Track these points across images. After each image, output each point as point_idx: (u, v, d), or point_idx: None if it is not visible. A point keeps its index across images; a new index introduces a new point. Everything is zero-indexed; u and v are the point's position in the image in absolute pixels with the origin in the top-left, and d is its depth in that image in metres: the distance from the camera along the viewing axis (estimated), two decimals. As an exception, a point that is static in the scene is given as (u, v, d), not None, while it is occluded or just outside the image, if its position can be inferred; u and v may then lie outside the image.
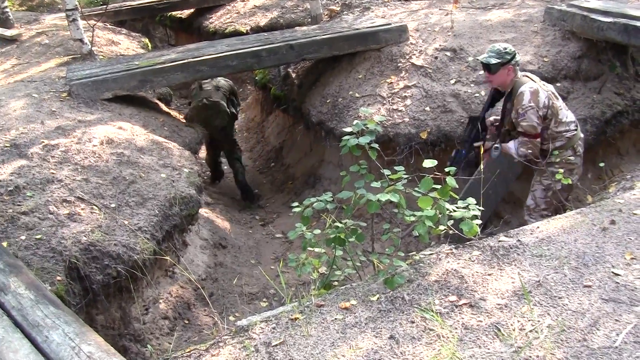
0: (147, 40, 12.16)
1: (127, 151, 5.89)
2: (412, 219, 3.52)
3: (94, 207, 5.02)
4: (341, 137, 3.92)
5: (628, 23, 6.38)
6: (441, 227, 3.46)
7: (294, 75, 9.48)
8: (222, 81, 9.00)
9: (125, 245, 4.75)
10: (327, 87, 8.14)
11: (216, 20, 12.61)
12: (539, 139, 5.01)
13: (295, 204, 3.98)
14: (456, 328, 2.78)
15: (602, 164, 6.19)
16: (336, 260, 3.88)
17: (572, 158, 5.19)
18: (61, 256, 4.41)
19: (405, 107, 7.04)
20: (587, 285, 2.96)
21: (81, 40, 9.09)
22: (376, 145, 3.84)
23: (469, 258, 3.38)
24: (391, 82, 7.46)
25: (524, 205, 5.56)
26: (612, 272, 3.03)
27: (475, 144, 5.35)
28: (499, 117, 5.51)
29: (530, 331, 2.68)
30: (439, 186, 3.42)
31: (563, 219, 3.74)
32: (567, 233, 3.51)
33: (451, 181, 3.39)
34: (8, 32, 10.82)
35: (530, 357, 2.52)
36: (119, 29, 12.14)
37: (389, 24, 8.24)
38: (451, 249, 3.54)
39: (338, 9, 10.53)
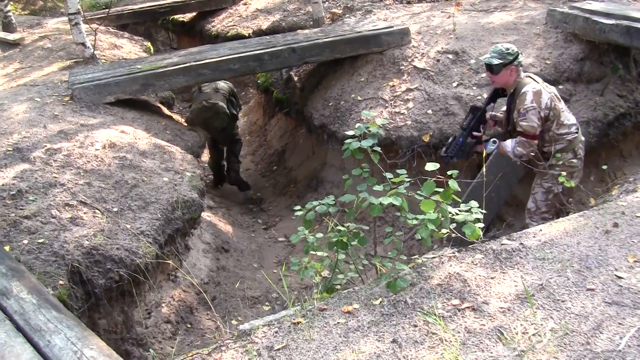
0: (149, 44, 12.18)
1: (129, 155, 5.90)
2: (415, 222, 3.51)
3: (97, 211, 5.02)
4: (343, 141, 3.92)
5: (630, 25, 6.37)
6: (444, 231, 3.46)
7: (296, 78, 9.48)
8: (221, 83, 9.01)
9: (128, 249, 4.75)
10: (330, 90, 8.14)
11: (218, 23, 12.62)
12: (536, 141, 4.99)
13: (298, 207, 3.97)
14: (459, 332, 2.78)
15: (604, 167, 6.19)
16: (339, 264, 3.88)
17: (574, 161, 5.18)
18: (63, 260, 4.41)
19: (408, 110, 7.03)
20: (590, 288, 2.95)
21: (83, 44, 9.11)
22: (378, 149, 3.84)
23: (472, 261, 3.37)
24: (393, 85, 7.45)
25: (525, 208, 5.55)
26: (616, 275, 3.02)
27: (475, 133, 5.33)
28: (497, 114, 5.49)
29: (534, 335, 2.67)
30: (441, 189, 3.42)
31: (566, 222, 3.73)
32: (569, 236, 3.50)
33: (453, 184, 3.39)
34: (11, 36, 10.84)
35: (533, 361, 2.51)
36: (121, 32, 12.16)
37: (391, 27, 8.24)
38: (454, 253, 3.53)
39: (340, 12, 10.53)
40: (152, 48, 12.18)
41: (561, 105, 5.15)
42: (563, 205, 5.21)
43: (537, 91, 4.94)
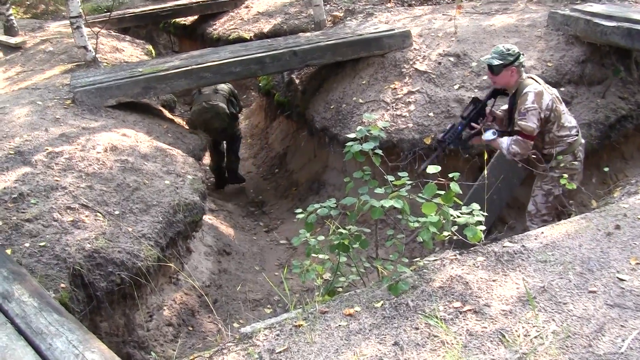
0: (150, 47, 12.21)
1: (131, 158, 5.90)
2: (416, 225, 3.51)
3: (98, 214, 5.02)
4: (345, 143, 3.92)
5: (632, 27, 6.37)
6: (445, 233, 3.45)
7: (297, 81, 9.50)
8: (220, 84, 9.04)
9: (129, 252, 4.75)
10: (331, 93, 8.14)
11: (220, 26, 12.64)
12: (532, 141, 4.98)
13: (299, 210, 3.97)
14: (461, 334, 2.77)
15: (606, 169, 6.19)
16: (340, 267, 3.88)
17: (575, 163, 5.17)
18: (65, 263, 4.41)
19: (409, 113, 7.03)
20: (592, 290, 2.95)
21: (85, 48, 9.12)
22: (380, 151, 3.84)
23: (473, 264, 3.37)
24: (395, 88, 7.45)
25: (526, 211, 5.55)
26: (617, 278, 3.02)
27: (473, 125, 5.33)
28: (496, 111, 5.48)
29: (535, 337, 2.67)
30: (442, 192, 3.42)
31: (567, 224, 3.73)
32: (571, 238, 3.50)
33: (455, 187, 3.38)
34: (13, 40, 10.87)
35: (535, 363, 2.51)
36: (123, 36, 12.19)
37: (393, 30, 8.25)
38: (455, 255, 3.53)
39: (341, 14, 10.54)
40: (153, 51, 12.20)
41: (562, 107, 5.15)
42: (564, 207, 5.20)
43: (538, 92, 4.94)
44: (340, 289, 3.89)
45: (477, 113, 5.35)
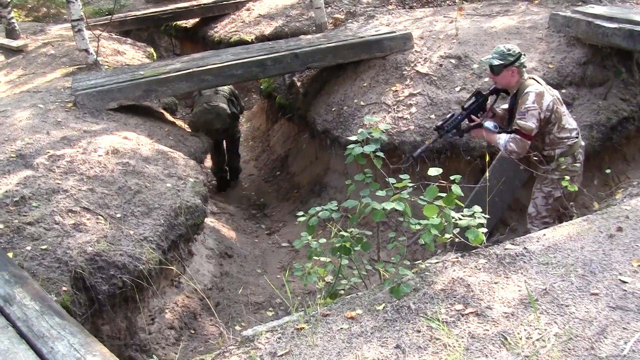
0: (152, 50, 12.22)
1: (132, 161, 5.90)
2: (418, 227, 3.50)
3: (100, 217, 5.02)
4: (346, 146, 3.91)
5: (633, 29, 6.37)
6: (447, 236, 3.45)
7: (299, 83, 9.50)
8: None
9: (131, 255, 4.75)
10: (332, 95, 8.14)
11: (221, 29, 12.65)
12: (530, 142, 4.98)
13: (301, 213, 3.97)
14: (462, 337, 2.77)
15: (608, 171, 6.18)
16: (342, 269, 3.88)
17: (577, 165, 5.17)
18: (67, 266, 4.41)
19: (411, 115, 7.03)
20: (594, 293, 2.94)
21: (87, 51, 9.12)
22: (381, 154, 3.83)
23: (475, 266, 3.36)
24: (396, 90, 7.45)
25: (526, 213, 5.54)
26: (620, 280, 3.01)
27: (473, 117, 5.32)
28: (496, 108, 5.47)
29: (537, 340, 2.66)
30: (444, 194, 3.41)
31: (569, 226, 3.72)
32: (573, 240, 3.49)
33: (456, 189, 3.38)
34: (14, 43, 10.88)
35: (537, 366, 2.50)
36: (124, 38, 12.19)
37: (394, 32, 8.25)
38: (457, 257, 3.52)
39: (343, 17, 10.55)
40: (155, 54, 12.21)
41: (563, 109, 5.14)
42: (566, 209, 5.19)
43: (539, 92, 4.94)
44: (342, 292, 3.89)
45: (478, 106, 5.35)
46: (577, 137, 5.16)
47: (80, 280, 4.43)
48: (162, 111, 8.77)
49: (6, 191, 5.03)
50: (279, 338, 3.03)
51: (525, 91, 4.97)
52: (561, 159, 5.08)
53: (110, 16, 12.55)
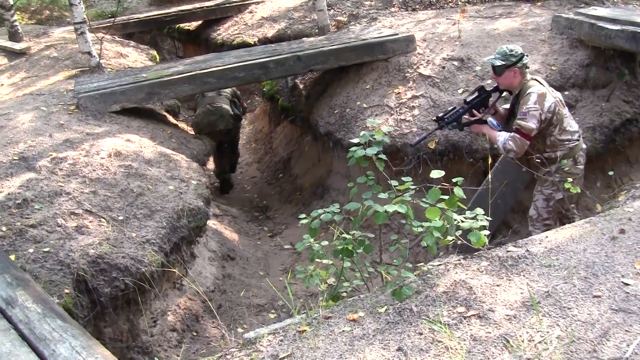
0: (155, 53, 12.23)
1: (134, 163, 5.91)
2: (420, 229, 3.50)
3: (102, 219, 5.02)
4: (349, 148, 3.91)
5: (636, 31, 6.36)
6: (449, 238, 3.44)
7: (301, 86, 9.50)
8: None
9: (133, 258, 4.75)
10: (335, 97, 8.14)
11: (224, 31, 12.65)
12: (529, 142, 4.97)
13: (303, 215, 3.97)
14: (465, 339, 2.76)
15: (611, 173, 6.17)
16: (344, 272, 3.87)
17: (580, 167, 5.16)
18: (69, 269, 4.41)
19: (413, 117, 7.03)
20: (597, 295, 2.94)
21: (89, 53, 9.14)
22: (384, 156, 3.83)
23: (477, 269, 3.36)
24: (399, 92, 7.45)
25: (527, 215, 5.53)
26: (622, 282, 3.01)
27: (475, 112, 5.32)
28: (498, 106, 5.47)
29: (540, 342, 2.66)
30: (446, 197, 3.41)
31: (572, 229, 3.72)
32: (576, 242, 3.49)
33: (459, 192, 3.38)
34: (17, 46, 10.89)
35: (539, 369, 2.50)
36: (127, 41, 12.21)
37: (396, 34, 8.25)
38: (459, 260, 3.52)
39: (345, 19, 10.55)
40: (157, 57, 12.22)
41: (565, 111, 5.13)
42: (568, 211, 5.19)
43: (541, 93, 4.93)
44: (344, 294, 3.89)
45: (480, 101, 5.35)
46: (578, 140, 5.15)
47: (83, 282, 4.43)
48: (165, 114, 8.78)
49: (9, 193, 5.04)
50: (281, 340, 3.03)
51: (528, 92, 4.96)
52: (563, 161, 5.07)
53: (113, 19, 12.54)
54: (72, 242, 4.65)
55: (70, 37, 11.22)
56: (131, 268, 4.68)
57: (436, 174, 3.54)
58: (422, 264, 3.72)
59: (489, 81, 6.76)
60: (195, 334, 5.46)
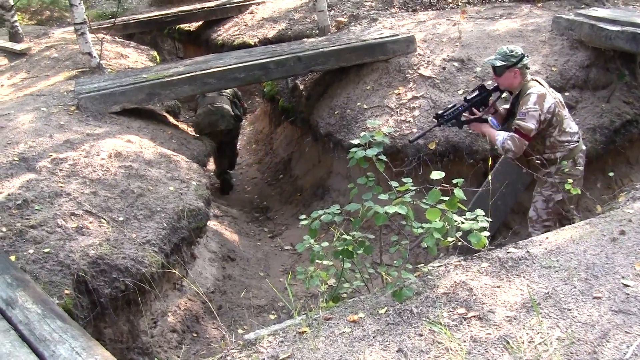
0: (155, 53, 12.22)
1: (135, 164, 5.91)
2: (421, 231, 3.50)
3: (102, 220, 5.02)
4: (349, 149, 3.91)
5: (636, 32, 6.36)
6: (449, 239, 3.44)
7: (301, 87, 9.50)
8: None
9: (134, 259, 4.75)
10: (335, 98, 8.14)
11: (224, 32, 12.66)
12: (527, 142, 4.97)
13: (303, 216, 3.97)
14: (465, 341, 2.76)
15: (611, 174, 6.17)
16: (344, 273, 3.87)
17: (580, 168, 5.16)
18: (69, 270, 4.41)
19: (414, 118, 7.03)
20: (597, 296, 2.94)
21: (90, 54, 9.15)
22: (384, 157, 3.83)
23: (478, 270, 3.36)
24: (399, 93, 7.45)
25: (527, 216, 5.53)
26: (622, 283, 3.00)
27: (475, 110, 5.31)
28: (498, 106, 5.47)
29: (540, 344, 2.66)
30: (447, 198, 3.41)
31: (572, 230, 3.71)
32: (576, 244, 3.49)
33: (459, 193, 3.38)
34: (17, 46, 10.89)
35: (539, 370, 2.50)
36: (128, 42, 12.22)
37: (397, 35, 8.25)
38: (459, 261, 3.52)
39: (345, 20, 10.54)
40: (158, 57, 12.21)
41: (565, 112, 5.13)
42: (568, 212, 5.19)
43: (541, 94, 4.93)
44: (344, 295, 3.89)
45: (481, 100, 5.35)
46: (578, 141, 5.15)
47: (83, 283, 4.43)
48: (165, 114, 8.78)
49: (9, 194, 5.04)
50: (281, 341, 3.03)
51: (528, 92, 4.97)
52: (563, 162, 5.07)
53: (113, 19, 12.56)
54: (72, 243, 4.65)
55: (70, 37, 11.23)
56: (131, 269, 4.68)
57: (436, 175, 3.54)
58: (422, 265, 3.72)
59: (489, 82, 6.76)
60: (195, 335, 5.46)
